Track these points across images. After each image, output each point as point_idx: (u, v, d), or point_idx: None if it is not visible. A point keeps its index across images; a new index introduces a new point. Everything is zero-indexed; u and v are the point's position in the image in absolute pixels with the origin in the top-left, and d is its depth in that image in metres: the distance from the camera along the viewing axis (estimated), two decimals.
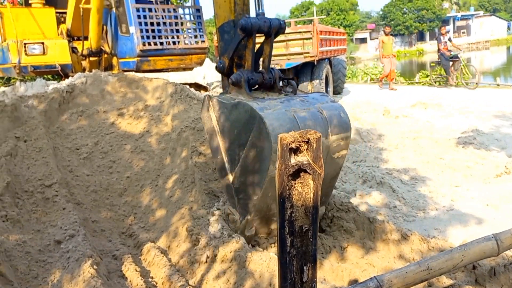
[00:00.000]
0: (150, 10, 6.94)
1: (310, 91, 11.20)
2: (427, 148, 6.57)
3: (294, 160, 0.91)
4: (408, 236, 3.42)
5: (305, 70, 11.12)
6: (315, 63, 10.80)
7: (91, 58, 7.53)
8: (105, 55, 7.57)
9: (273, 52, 10.18)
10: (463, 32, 71.89)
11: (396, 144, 6.94)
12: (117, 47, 7.37)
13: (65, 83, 5.84)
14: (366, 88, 17.21)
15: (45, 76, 8.26)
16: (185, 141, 4.65)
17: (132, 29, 6.85)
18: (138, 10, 6.80)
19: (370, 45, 67.43)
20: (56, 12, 7.75)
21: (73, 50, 7.51)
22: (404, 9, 67.31)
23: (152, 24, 6.93)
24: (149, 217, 4.40)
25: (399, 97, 13.51)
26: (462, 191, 4.98)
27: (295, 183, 0.92)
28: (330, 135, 3.25)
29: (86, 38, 7.22)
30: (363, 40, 66.12)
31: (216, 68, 3.84)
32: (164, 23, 7.09)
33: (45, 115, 5.19)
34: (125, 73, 6.45)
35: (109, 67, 7.58)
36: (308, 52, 10.36)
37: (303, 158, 0.90)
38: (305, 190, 0.91)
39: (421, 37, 70.80)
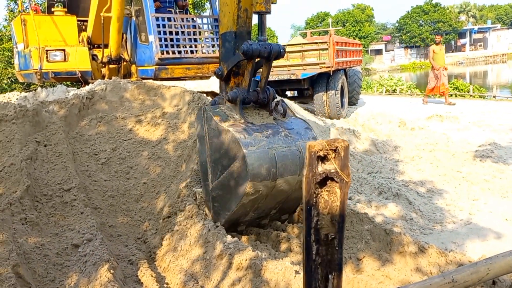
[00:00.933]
0: (169, 19, 7.05)
1: (325, 102, 11.19)
2: (444, 161, 6.51)
3: (321, 168, 0.92)
4: (426, 249, 3.38)
5: (321, 81, 11.13)
6: (331, 74, 10.80)
7: (111, 66, 7.66)
8: (124, 63, 7.69)
9: (290, 62, 10.23)
10: (480, 45, 71.24)
11: (412, 156, 6.89)
12: (136, 55, 7.49)
13: (85, 89, 5.94)
14: (381, 100, 17.13)
15: (64, 82, 8.42)
16: None
17: (151, 37, 6.96)
18: (157, 19, 6.91)
19: (385, 57, 67.25)
20: (78, 20, 7.92)
21: (93, 57, 7.65)
22: (420, 21, 67.03)
23: (170, 33, 7.04)
24: (156, 219, 4.44)
25: (415, 109, 13.42)
26: (480, 205, 4.92)
27: (321, 191, 0.93)
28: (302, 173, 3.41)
29: (106, 46, 7.35)
30: (378, 52, 65.99)
31: (215, 73, 4.08)
32: (183, 32, 7.20)
33: (65, 121, 5.28)
34: (144, 80, 6.54)
35: (127, 75, 7.70)
36: (324, 63, 10.37)
37: (330, 166, 0.91)
38: (331, 198, 0.91)
39: None
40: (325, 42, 10.42)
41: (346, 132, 7.57)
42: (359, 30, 61.96)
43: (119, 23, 6.98)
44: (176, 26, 7.12)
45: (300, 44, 10.99)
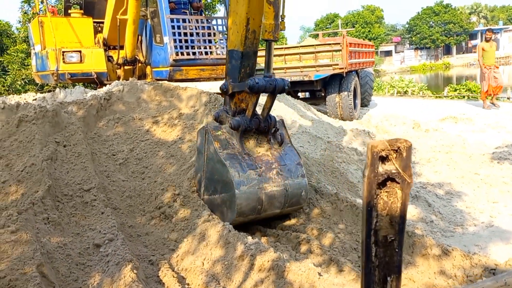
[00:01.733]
0: (184, 20, 7.09)
1: (337, 103, 11.15)
2: (461, 163, 6.45)
3: (381, 168, 0.91)
4: (450, 251, 3.35)
5: (333, 82, 11.09)
6: (344, 75, 10.76)
7: (126, 67, 7.71)
8: (139, 64, 7.74)
9: (303, 64, 10.19)
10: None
11: (428, 158, 6.83)
12: (151, 56, 7.54)
13: (102, 90, 5.98)
14: (393, 101, 17.03)
15: (77, 84, 8.48)
16: None
17: (166, 39, 7.00)
18: (172, 20, 6.95)
19: (395, 58, 66.89)
20: (94, 22, 7.98)
21: (109, 58, 7.71)
22: (431, 23, 66.58)
23: (185, 34, 7.08)
24: (179, 222, 4.44)
25: (428, 110, 13.31)
26: (500, 207, 4.86)
27: (380, 192, 0.92)
28: (285, 208, 4.23)
29: (121, 47, 7.41)
30: (388, 53, 65.67)
31: (220, 88, 4.28)
32: (197, 34, 7.23)
33: (84, 121, 5.32)
34: (160, 82, 6.57)
35: (142, 76, 7.75)
36: (337, 64, 10.33)
37: (390, 167, 0.90)
38: (391, 199, 0.90)
39: (447, 51, 69.83)
40: (339, 43, 10.39)
41: (361, 134, 7.53)
42: (369, 31, 61.69)
43: (135, 25, 7.04)
44: (191, 28, 7.15)
45: (313, 45, 10.97)
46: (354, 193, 5.09)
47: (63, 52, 7.03)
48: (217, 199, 4.17)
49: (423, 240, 3.53)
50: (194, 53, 7.17)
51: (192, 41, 7.13)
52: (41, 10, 8.84)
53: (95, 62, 7.23)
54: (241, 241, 3.62)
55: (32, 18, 18.38)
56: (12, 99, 9.10)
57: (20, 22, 20.05)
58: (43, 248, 3.38)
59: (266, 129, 4.21)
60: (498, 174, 5.95)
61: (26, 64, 16.98)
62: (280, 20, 3.88)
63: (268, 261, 3.28)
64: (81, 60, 7.10)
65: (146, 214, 4.55)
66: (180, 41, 6.98)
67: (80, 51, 7.16)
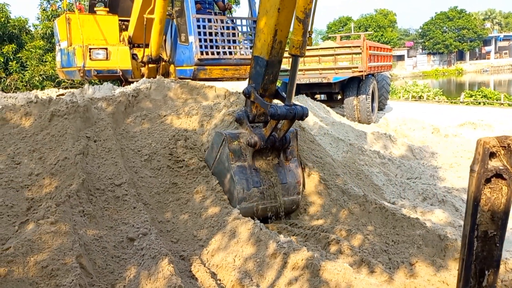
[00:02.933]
0: (209, 20, 7.14)
1: (355, 106, 11.15)
2: None
3: (490, 164, 0.94)
4: None
5: (352, 85, 11.11)
6: (362, 78, 10.77)
7: (150, 65, 7.78)
8: (163, 63, 7.81)
9: (322, 66, 10.25)
10: (505, 53, 69.88)
11: (451, 163, 6.82)
12: (175, 55, 7.60)
13: (130, 87, 6.06)
14: (408, 106, 16.99)
15: (101, 80, 8.57)
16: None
17: (191, 38, 7.06)
18: (198, 20, 7.01)
19: (407, 63, 66.51)
20: (119, 20, 8.07)
21: (133, 56, 7.79)
22: (444, 28, 66.15)
23: (210, 34, 7.13)
24: (209, 219, 4.48)
25: (445, 116, 13.27)
26: None
27: (484, 188, 0.95)
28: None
29: (147, 45, 7.49)
30: (401, 58, 65.32)
31: (243, 93, 4.46)
32: (222, 34, 7.28)
33: (113, 117, 5.39)
34: (187, 80, 6.63)
35: (165, 74, 7.82)
36: (357, 67, 10.35)
37: (498, 163, 0.93)
38: (494, 195, 0.93)
39: (460, 57, 69.33)
40: (359, 46, 10.40)
41: (382, 137, 7.54)
42: (382, 35, 61.46)
43: (161, 25, 7.11)
44: (216, 28, 7.20)
45: (333, 47, 10.98)
46: (380, 195, 5.11)
47: (90, 49, 7.13)
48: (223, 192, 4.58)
49: (455, 243, 3.54)
50: (218, 53, 7.22)
51: (216, 40, 7.17)
52: (59, 8, 8.95)
53: (121, 60, 7.31)
54: (273, 239, 3.65)
55: (51, 15, 18.62)
56: (35, 94, 9.23)
57: (38, 19, 20.29)
58: (81, 240, 3.45)
59: (280, 147, 4.52)
60: None
61: (44, 60, 17.18)
62: (308, 36, 3.94)
63: (302, 260, 3.31)
64: (107, 57, 7.19)
65: (175, 211, 4.60)
66: (205, 40, 7.03)
67: (106, 48, 7.25)
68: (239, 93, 5.93)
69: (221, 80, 7.65)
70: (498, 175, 0.94)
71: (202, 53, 7.02)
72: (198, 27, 7.04)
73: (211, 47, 7.16)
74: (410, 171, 6.22)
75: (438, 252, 3.62)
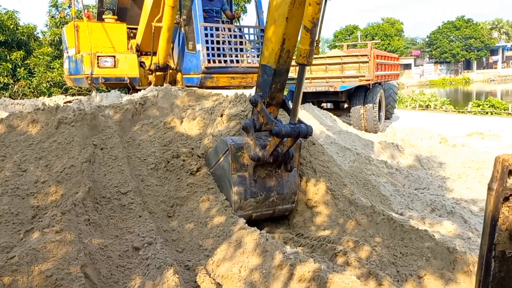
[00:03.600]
0: (217, 29, 7.17)
1: (362, 115, 11.11)
2: None
3: (509, 183, 0.91)
4: None
5: (359, 94, 11.07)
6: (369, 87, 10.73)
7: (157, 73, 7.81)
8: (170, 71, 7.84)
9: (328, 74, 10.24)
10: None
11: (459, 173, 6.75)
12: (183, 63, 7.63)
13: (138, 95, 6.07)
14: (415, 115, 16.91)
15: (108, 88, 8.60)
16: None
17: (198, 46, 7.09)
18: (206, 28, 7.04)
19: (414, 71, 66.44)
20: (127, 28, 8.12)
21: (141, 64, 7.82)
22: (451, 37, 66.07)
23: (217, 42, 7.16)
24: (214, 229, 4.45)
25: (452, 125, 13.18)
26: None
27: (502, 207, 0.91)
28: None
29: (154, 53, 7.52)
30: (407, 66, 65.25)
31: (250, 101, 4.47)
32: (229, 42, 7.30)
33: (120, 125, 5.39)
34: (193, 88, 6.64)
35: (172, 82, 7.85)
36: (364, 76, 10.32)
37: None
38: (511, 214, 0.90)
39: (467, 66, 69.13)
40: (366, 55, 10.38)
41: (389, 147, 7.48)
42: (388, 44, 61.47)
43: (169, 33, 7.15)
44: (223, 36, 7.23)
45: (339, 56, 10.97)
46: (387, 206, 5.05)
47: (98, 56, 7.16)
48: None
49: (465, 256, 3.48)
50: (225, 61, 7.26)
51: (223, 49, 7.21)
52: (68, 15, 9.04)
53: (129, 67, 7.35)
54: (279, 250, 3.61)
55: (59, 22, 18.79)
56: (43, 100, 9.28)
57: (47, 26, 20.48)
58: (86, 249, 3.42)
59: (282, 162, 4.54)
60: None
61: (51, 67, 17.32)
62: (315, 45, 3.93)
63: (309, 272, 3.25)
64: (115, 65, 7.23)
65: (181, 220, 4.58)
66: (213, 49, 7.08)
67: (114, 56, 7.29)
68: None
69: (228, 88, 7.65)
70: None
71: (209, 61, 7.05)
72: (206, 35, 7.08)
73: (218, 55, 7.20)
74: (418, 181, 6.16)
75: (447, 265, 3.56)
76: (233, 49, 7.36)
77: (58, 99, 9.51)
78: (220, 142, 4.67)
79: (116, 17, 8.18)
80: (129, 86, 7.47)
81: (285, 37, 4.03)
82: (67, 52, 8.35)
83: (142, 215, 4.16)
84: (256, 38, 7.73)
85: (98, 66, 7.16)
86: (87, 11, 8.19)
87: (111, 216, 4.15)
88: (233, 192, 4.41)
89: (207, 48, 7.06)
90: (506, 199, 0.90)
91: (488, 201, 0.93)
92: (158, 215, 4.55)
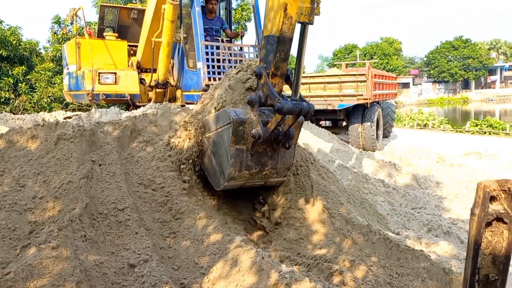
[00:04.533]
0: (217, 47, 7.29)
1: (360, 133, 11.18)
2: None
3: (490, 208, 0.94)
4: None
5: (357, 112, 11.16)
6: (367, 106, 10.83)
7: (157, 90, 7.89)
8: (170, 87, 7.92)
9: (327, 93, 10.32)
10: (511, 83, 70.17)
11: (456, 193, 6.77)
12: (182, 80, 7.72)
13: (137, 112, 6.11)
14: (413, 133, 16.99)
15: (105, 104, 8.65)
16: None
17: (199, 64, 7.20)
18: (206, 47, 7.16)
19: (412, 90, 66.89)
20: (128, 45, 8.23)
21: (141, 81, 7.91)
22: (450, 57, 66.72)
23: (218, 60, 7.27)
24: (211, 246, 4.45)
25: (450, 144, 13.24)
26: None
27: (485, 231, 0.94)
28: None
29: (154, 70, 7.61)
30: (406, 85, 65.74)
31: (254, 72, 4.45)
32: (229, 61, 7.42)
33: (118, 141, 5.42)
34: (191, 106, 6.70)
35: (172, 99, 7.92)
36: (362, 95, 10.42)
37: (498, 207, 0.93)
38: (495, 239, 0.93)
39: (466, 85, 69.66)
40: (364, 74, 10.50)
41: (386, 165, 7.52)
42: (387, 63, 62.03)
43: (169, 48, 7.26)
44: (223, 54, 7.35)
45: (338, 75, 11.10)
46: (384, 225, 5.06)
47: (99, 73, 7.25)
48: (209, 162, 4.81)
49: (460, 278, 3.48)
50: None
51: (223, 67, 7.32)
52: (74, 32, 9.18)
53: (129, 84, 7.44)
54: (275, 268, 3.61)
55: (61, 38, 19.00)
56: (43, 116, 9.34)
57: (49, 41, 20.69)
58: (82, 265, 3.42)
59: (283, 141, 4.53)
60: None
61: (52, 82, 17.44)
62: (316, 5, 3.99)
63: None
64: (115, 82, 7.31)
65: (177, 237, 4.58)
66: (213, 67, 7.20)
67: (115, 73, 7.37)
68: None
69: None
70: (499, 219, 0.94)
71: (210, 79, 7.15)
72: (207, 53, 7.21)
73: (219, 73, 7.29)
74: (415, 200, 6.17)
75: (442, 285, 3.56)
76: (233, 67, 7.45)
77: (58, 115, 9.56)
78: (222, 113, 4.58)
79: (117, 34, 8.30)
80: (129, 103, 7.54)
81: (287, 1, 4.05)
82: (68, 69, 8.45)
83: (138, 231, 4.17)
84: (255, 57, 7.82)
85: (99, 83, 7.24)
86: (89, 28, 8.29)
87: (107, 232, 4.15)
88: (229, 163, 4.44)
89: (208, 66, 7.17)
90: (489, 224, 0.93)
91: (471, 226, 0.96)
92: (155, 232, 4.55)
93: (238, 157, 4.46)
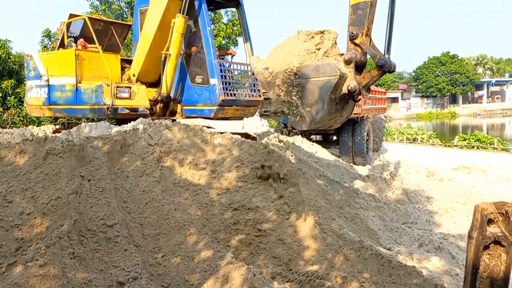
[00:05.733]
0: (229, 65, 7.67)
1: (350, 147, 11.22)
2: None
3: (488, 231, 0.93)
4: None
5: (347, 127, 11.22)
6: (358, 120, 10.89)
7: (161, 104, 7.96)
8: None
9: None
10: (497, 98, 71.32)
11: (446, 208, 6.80)
12: (183, 95, 7.86)
13: (127, 126, 6.08)
14: (402, 148, 17.11)
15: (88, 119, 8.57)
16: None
17: (213, 80, 7.48)
18: (220, 64, 7.46)
19: (401, 105, 67.56)
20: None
21: None
22: (437, 72, 67.67)
23: (228, 77, 7.60)
24: (201, 263, 4.39)
25: (439, 159, 13.35)
26: None
27: (483, 254, 0.93)
28: None
29: (157, 83, 7.76)
30: (395, 100, 66.41)
31: (350, 33, 4.87)
32: (237, 77, 7.81)
33: (108, 156, 5.37)
34: (186, 122, 6.70)
35: (171, 113, 8.04)
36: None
37: (496, 229, 0.92)
38: (493, 262, 0.92)
39: (453, 100, 70.59)
40: None
41: (377, 180, 7.54)
42: None
43: (177, 61, 7.46)
44: (232, 71, 7.75)
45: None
46: (375, 241, 5.05)
47: (117, 87, 7.28)
48: (300, 103, 5.02)
49: None
50: (234, 94, 7.76)
51: (231, 83, 7.67)
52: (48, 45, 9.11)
53: (141, 98, 7.51)
54: (267, 286, 3.58)
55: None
56: (31, 130, 9.23)
57: None
58: (69, 283, 3.35)
59: (355, 97, 5.01)
60: None
61: None
62: None
63: None
64: (130, 96, 7.39)
65: (167, 253, 4.51)
66: (226, 83, 7.47)
67: (130, 87, 7.47)
68: (248, 143, 5.93)
69: (230, 119, 7.94)
70: (497, 242, 0.93)
71: (226, 94, 7.42)
72: (221, 71, 7.47)
73: (230, 89, 7.62)
74: (406, 215, 6.18)
75: None
76: (238, 83, 7.85)
77: (48, 129, 9.47)
78: (326, 65, 4.93)
79: (101, 46, 8.16)
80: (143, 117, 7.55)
81: None
82: (46, 81, 8.21)
83: (127, 248, 4.10)
84: (250, 75, 8.12)
85: (116, 97, 7.28)
86: (83, 40, 8.19)
87: (96, 249, 4.08)
88: (324, 110, 4.82)
89: (223, 83, 7.44)
90: (486, 247, 0.92)
91: (468, 249, 0.95)
92: (145, 248, 4.48)
93: (329, 105, 4.88)
